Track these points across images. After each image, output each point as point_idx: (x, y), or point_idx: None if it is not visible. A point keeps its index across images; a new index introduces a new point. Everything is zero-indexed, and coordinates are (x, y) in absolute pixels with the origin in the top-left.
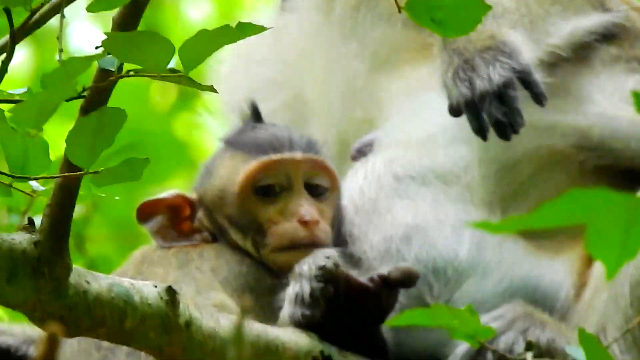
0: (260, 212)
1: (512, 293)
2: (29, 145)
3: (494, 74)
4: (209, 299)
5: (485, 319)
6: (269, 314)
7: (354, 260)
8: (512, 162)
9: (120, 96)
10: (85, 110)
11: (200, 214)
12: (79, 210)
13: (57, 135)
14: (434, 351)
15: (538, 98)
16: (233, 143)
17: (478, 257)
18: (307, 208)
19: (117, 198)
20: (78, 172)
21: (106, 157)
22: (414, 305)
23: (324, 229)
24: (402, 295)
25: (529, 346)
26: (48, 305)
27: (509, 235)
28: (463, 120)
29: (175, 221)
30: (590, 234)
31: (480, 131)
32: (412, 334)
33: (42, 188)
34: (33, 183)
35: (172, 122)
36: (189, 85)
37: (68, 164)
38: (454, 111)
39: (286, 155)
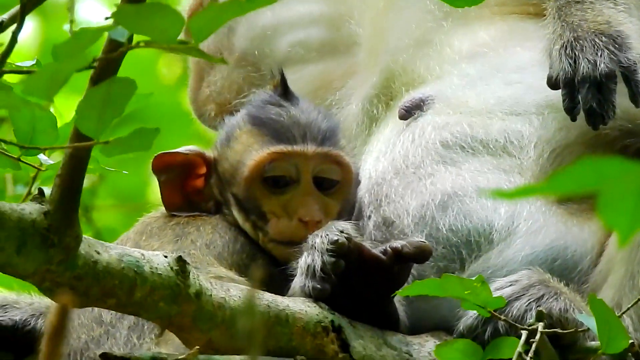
0: (265, 201)
1: (539, 263)
2: (37, 118)
3: (600, 62)
4: (208, 273)
5: (500, 283)
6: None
7: (387, 223)
8: (566, 144)
9: (128, 69)
10: (95, 81)
11: (213, 179)
12: (85, 181)
13: (66, 108)
14: (446, 321)
15: (635, 97)
16: (254, 117)
17: (512, 228)
18: (310, 208)
19: (125, 172)
20: (88, 142)
21: (115, 127)
22: (439, 274)
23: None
24: (427, 264)
25: (540, 317)
26: (58, 275)
27: (544, 205)
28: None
29: (188, 178)
30: (603, 202)
31: (570, 111)
32: (425, 305)
33: (50, 161)
34: (41, 156)
35: (179, 94)
36: (199, 56)
37: (78, 134)
38: (552, 84)
39: (298, 148)
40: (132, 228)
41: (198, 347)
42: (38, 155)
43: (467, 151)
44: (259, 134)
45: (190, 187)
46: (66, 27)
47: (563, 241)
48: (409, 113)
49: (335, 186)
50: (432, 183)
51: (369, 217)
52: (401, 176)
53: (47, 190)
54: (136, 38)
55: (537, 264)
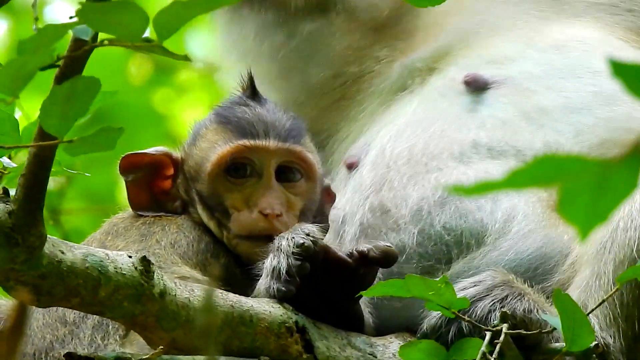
0: (228, 195)
1: (521, 269)
2: None
3: None
4: (173, 272)
5: (464, 283)
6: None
7: (383, 210)
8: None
9: (97, 69)
10: (59, 79)
11: (180, 179)
12: (53, 183)
13: (32, 108)
14: (411, 322)
15: None
16: (220, 116)
17: (503, 231)
18: (270, 200)
19: (88, 174)
20: (52, 141)
21: (83, 127)
22: (417, 271)
23: (286, 221)
24: (412, 260)
25: (504, 318)
26: (22, 274)
27: (539, 209)
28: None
29: (155, 179)
30: (561, 198)
31: None
32: (391, 306)
33: (13, 165)
34: (4, 159)
35: (149, 95)
36: (163, 54)
37: (42, 133)
38: None
39: (260, 142)
40: (99, 229)
41: (162, 346)
42: (1, 159)
43: (493, 153)
44: (224, 130)
45: (158, 188)
46: (34, 27)
47: (550, 249)
48: (472, 87)
49: (297, 181)
50: (437, 178)
51: (367, 197)
52: (412, 164)
53: (12, 191)
54: (101, 36)
55: (519, 269)
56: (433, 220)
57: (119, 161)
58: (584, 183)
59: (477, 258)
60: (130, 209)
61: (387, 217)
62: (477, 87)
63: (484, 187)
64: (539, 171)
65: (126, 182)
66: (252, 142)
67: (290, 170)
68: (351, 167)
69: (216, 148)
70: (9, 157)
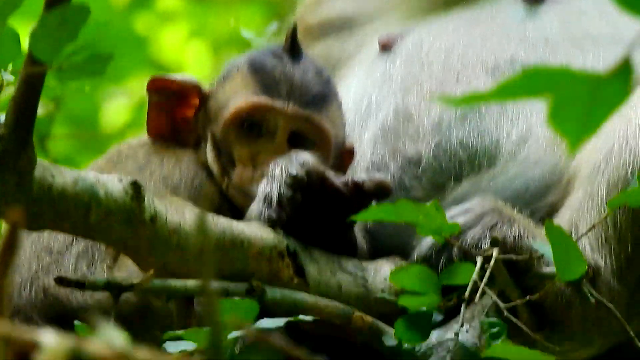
0: (238, 148)
1: (525, 199)
2: None
3: None
4: None
5: (453, 212)
6: None
7: (406, 115)
8: None
9: None
10: (49, 6)
11: (202, 113)
12: (42, 108)
13: (21, 34)
14: (403, 247)
15: None
16: (253, 63)
17: (515, 153)
18: None
19: (86, 87)
20: (42, 67)
21: (70, 55)
22: (431, 187)
23: None
24: (423, 176)
25: (495, 242)
26: (12, 198)
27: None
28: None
29: (178, 107)
30: (552, 109)
31: None
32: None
33: (11, 78)
34: (3, 73)
35: (131, 19)
36: None
37: (32, 59)
38: None
39: (279, 104)
40: (105, 154)
41: (153, 271)
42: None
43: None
44: (250, 80)
45: (179, 115)
46: None
47: (555, 177)
48: None
49: (309, 149)
50: (464, 91)
51: (395, 94)
52: (446, 69)
53: (2, 117)
54: None
55: (522, 200)
56: (451, 134)
57: (148, 81)
58: (575, 95)
59: (485, 180)
60: (144, 137)
61: (409, 123)
62: None
63: (472, 98)
64: (529, 83)
65: (150, 103)
66: (271, 102)
67: (304, 137)
68: (385, 47)
69: (238, 98)
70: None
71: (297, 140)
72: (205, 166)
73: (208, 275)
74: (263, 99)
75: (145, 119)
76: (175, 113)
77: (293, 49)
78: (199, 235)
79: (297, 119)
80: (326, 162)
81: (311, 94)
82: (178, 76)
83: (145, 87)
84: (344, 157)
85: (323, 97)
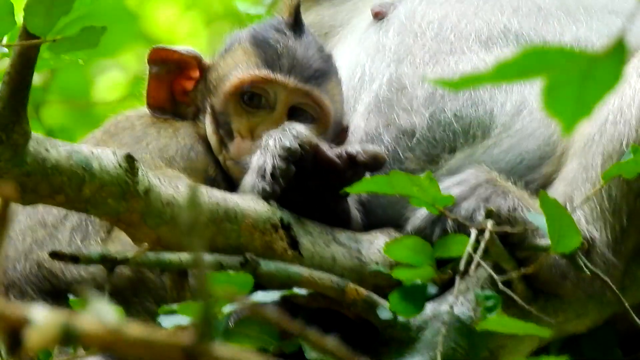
0: (236, 119)
1: (519, 170)
2: None
3: None
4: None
5: (447, 183)
6: None
7: (399, 86)
8: None
9: None
10: None
11: (201, 84)
12: (36, 77)
13: (15, 7)
14: (397, 219)
15: None
16: (255, 36)
17: (509, 124)
18: None
19: (80, 61)
20: (36, 40)
21: (63, 27)
22: (425, 158)
23: None
24: (416, 147)
25: (489, 214)
26: (6, 171)
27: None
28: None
29: (179, 77)
30: (545, 90)
31: None
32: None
33: (5, 50)
34: None
35: None
36: None
37: (26, 33)
38: None
39: (280, 77)
40: (100, 127)
41: (147, 243)
42: None
43: (520, 41)
44: (252, 54)
45: (179, 86)
46: None
47: (549, 148)
48: None
49: (310, 123)
50: (457, 62)
51: (388, 65)
52: (438, 40)
53: None
54: None
55: (517, 172)
56: (445, 105)
57: (148, 52)
58: (569, 75)
59: (479, 151)
60: (141, 109)
61: (402, 95)
62: None
63: (469, 81)
64: (525, 63)
65: (150, 74)
66: (272, 75)
67: (303, 112)
68: (378, 16)
69: (239, 70)
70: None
71: (296, 115)
72: (202, 138)
73: (199, 247)
74: (264, 72)
75: (144, 90)
76: (175, 84)
77: (296, 23)
78: (190, 208)
79: (298, 93)
80: (324, 137)
81: (312, 69)
82: (179, 47)
83: (146, 58)
84: (340, 134)
85: (324, 72)
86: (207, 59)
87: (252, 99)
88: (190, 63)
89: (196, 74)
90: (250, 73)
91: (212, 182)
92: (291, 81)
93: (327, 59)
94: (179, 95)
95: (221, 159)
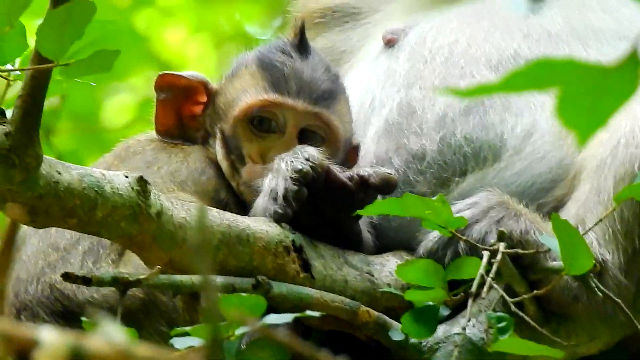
0: (247, 144)
1: (531, 194)
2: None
3: None
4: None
5: (459, 206)
6: None
7: (410, 110)
8: None
9: None
10: (55, 3)
11: (210, 109)
12: (47, 103)
13: (28, 32)
14: (409, 242)
15: None
16: (261, 59)
17: (520, 148)
18: None
19: (92, 84)
20: (49, 65)
21: (75, 52)
22: (435, 182)
23: None
24: (426, 171)
25: (501, 236)
26: (19, 195)
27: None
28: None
29: (187, 102)
30: (559, 101)
31: None
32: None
33: (18, 72)
34: (9, 66)
35: (132, 16)
36: None
37: (39, 56)
38: None
39: (289, 101)
40: (113, 150)
41: (159, 266)
42: (7, 66)
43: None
44: (260, 77)
45: (187, 111)
46: None
47: (561, 171)
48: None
49: (319, 145)
50: (467, 87)
51: (398, 90)
52: (449, 65)
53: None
54: None
55: (528, 194)
56: (456, 128)
57: (155, 78)
58: (583, 87)
59: (490, 175)
60: (151, 132)
61: (412, 119)
62: None
63: (479, 90)
64: (536, 74)
65: (157, 100)
66: (281, 99)
67: (313, 133)
68: (389, 43)
69: (247, 95)
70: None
71: (306, 137)
72: (213, 162)
73: (208, 269)
74: (273, 96)
75: (152, 116)
76: (182, 110)
77: (301, 45)
78: (198, 230)
79: (307, 115)
80: (334, 157)
81: (320, 91)
82: (186, 72)
83: (153, 84)
84: (350, 153)
85: (332, 93)
86: (213, 83)
87: (261, 123)
88: (197, 88)
89: (204, 98)
90: (258, 98)
91: (224, 206)
92: (300, 104)
93: (335, 78)
94: (187, 120)
95: (234, 184)
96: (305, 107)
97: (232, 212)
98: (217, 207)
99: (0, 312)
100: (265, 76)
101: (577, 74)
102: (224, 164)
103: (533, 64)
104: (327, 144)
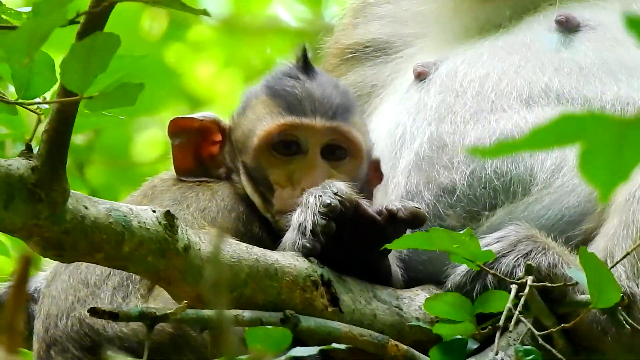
0: (273, 171)
1: (560, 227)
2: (34, 61)
3: None
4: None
5: (487, 239)
6: None
7: (440, 143)
8: None
9: (111, 24)
10: (80, 36)
11: (227, 147)
12: (80, 138)
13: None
14: (438, 276)
15: None
16: (270, 87)
17: (549, 182)
18: (314, 178)
19: (121, 117)
20: (73, 97)
21: (101, 86)
22: (465, 215)
23: None
24: (457, 205)
25: (529, 270)
26: (46, 230)
27: None
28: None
29: (202, 144)
30: (582, 157)
31: None
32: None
33: (46, 106)
34: (38, 100)
35: (163, 50)
36: (181, 9)
37: (64, 90)
38: None
39: (307, 120)
40: (139, 188)
41: (186, 301)
42: (35, 100)
43: (561, 100)
44: (273, 104)
45: (204, 152)
46: None
47: (590, 205)
48: (562, 27)
49: (343, 159)
50: (497, 120)
51: (429, 123)
52: (479, 99)
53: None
54: None
55: (557, 228)
56: (486, 162)
57: (167, 124)
58: (604, 141)
59: (520, 208)
60: (173, 172)
61: (443, 152)
62: (567, 27)
63: (502, 149)
64: (559, 130)
65: (173, 145)
66: (299, 120)
67: (336, 149)
68: (420, 76)
69: (263, 122)
70: (43, 99)
71: (330, 153)
72: (242, 198)
73: (222, 303)
74: (290, 118)
75: (170, 160)
76: (200, 151)
77: (306, 66)
78: (213, 264)
79: (326, 131)
80: (360, 170)
81: (335, 106)
82: (198, 114)
83: (167, 131)
84: (371, 170)
85: (346, 107)
86: (226, 121)
87: (283, 147)
88: (210, 128)
89: (218, 137)
90: (275, 123)
91: (258, 240)
92: (318, 121)
93: (345, 93)
94: (206, 160)
95: (269, 216)
96: (323, 123)
97: (266, 246)
98: (251, 243)
99: (13, 348)
100: (278, 102)
101: (599, 128)
102: (255, 198)
103: (556, 120)
104: (350, 157)
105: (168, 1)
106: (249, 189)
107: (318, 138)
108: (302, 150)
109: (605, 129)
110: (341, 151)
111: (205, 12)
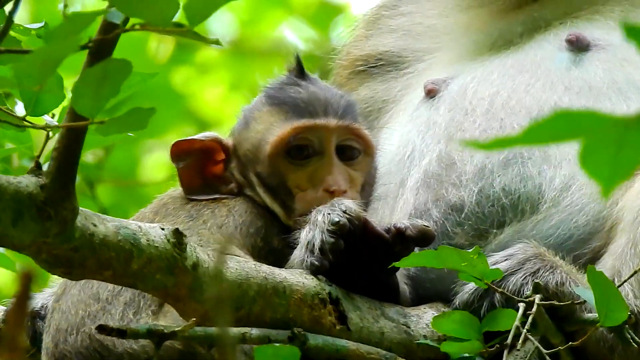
0: (290, 176)
1: (568, 246)
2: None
3: None
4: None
5: (495, 257)
6: None
7: (449, 161)
8: None
9: (118, 47)
10: (91, 62)
11: (233, 163)
12: (90, 157)
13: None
14: (445, 294)
15: None
16: (273, 97)
17: (558, 200)
18: (335, 177)
19: (131, 134)
20: (84, 122)
21: (111, 109)
22: (474, 233)
23: (351, 198)
24: (464, 222)
25: (537, 288)
26: (54, 247)
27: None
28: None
29: (207, 164)
30: (582, 153)
31: None
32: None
33: (55, 122)
34: (46, 117)
35: (170, 73)
36: (195, 39)
37: (74, 114)
38: None
39: (320, 121)
40: (149, 205)
41: (195, 318)
42: (44, 117)
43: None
44: (280, 112)
45: (210, 172)
46: (60, 6)
47: (598, 223)
48: (573, 46)
49: (357, 157)
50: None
51: (438, 141)
52: (489, 116)
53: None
54: (132, 20)
55: (565, 246)
56: (494, 180)
57: (169, 148)
58: (604, 139)
59: (528, 226)
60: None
61: (452, 170)
62: (578, 46)
63: (500, 143)
64: (556, 127)
65: (178, 168)
66: (312, 121)
67: (349, 148)
68: (430, 93)
69: (274, 129)
70: (52, 116)
71: (344, 154)
72: (259, 212)
73: (225, 320)
74: (302, 121)
75: (178, 183)
76: (205, 171)
77: (302, 72)
78: (216, 281)
79: (340, 130)
80: (374, 166)
81: (342, 105)
82: (199, 135)
83: (169, 155)
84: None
85: (353, 107)
86: (226, 139)
87: (298, 152)
88: (213, 147)
89: (222, 155)
90: (288, 127)
91: (278, 254)
92: (331, 121)
93: (344, 94)
94: (212, 179)
95: (292, 224)
96: (336, 122)
97: (286, 258)
98: (269, 257)
99: None
100: (285, 109)
101: (598, 125)
102: (275, 207)
103: (553, 115)
104: (364, 154)
105: (182, 32)
106: (267, 200)
107: (332, 137)
108: (317, 152)
109: (605, 127)
110: (353, 150)
111: (217, 42)
